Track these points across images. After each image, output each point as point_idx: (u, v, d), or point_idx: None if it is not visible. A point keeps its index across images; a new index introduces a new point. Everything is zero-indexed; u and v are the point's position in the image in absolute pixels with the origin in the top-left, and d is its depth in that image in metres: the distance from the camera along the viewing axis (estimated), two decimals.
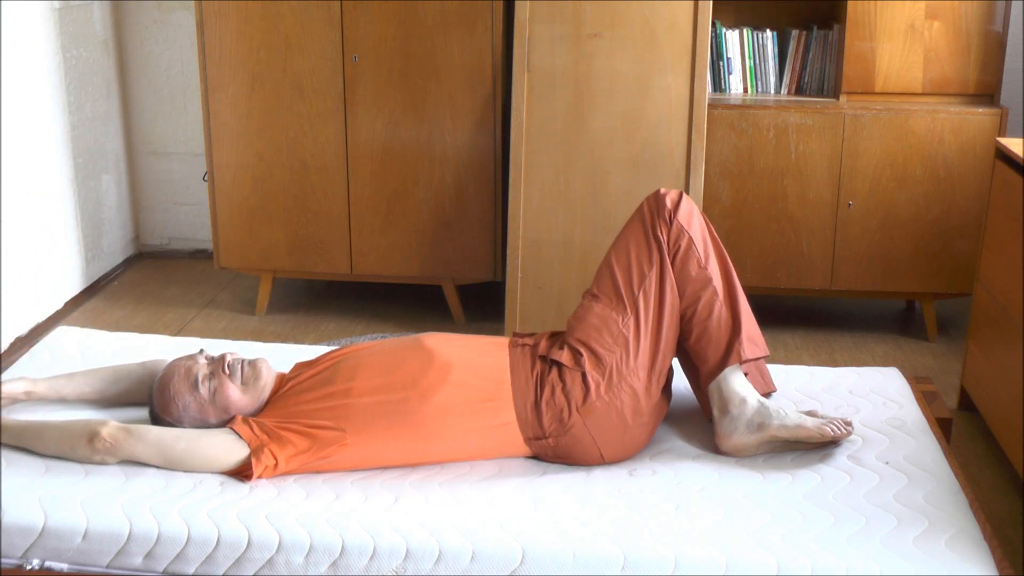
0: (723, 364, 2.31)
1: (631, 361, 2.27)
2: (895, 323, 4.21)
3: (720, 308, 2.34)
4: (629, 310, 2.31)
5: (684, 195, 2.41)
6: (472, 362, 2.27)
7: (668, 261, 2.34)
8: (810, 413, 2.34)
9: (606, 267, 2.39)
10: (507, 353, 2.32)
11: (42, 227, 4.10)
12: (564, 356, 2.28)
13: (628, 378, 2.26)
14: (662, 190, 2.41)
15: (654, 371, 2.30)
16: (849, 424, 2.32)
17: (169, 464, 2.18)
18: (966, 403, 3.41)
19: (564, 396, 2.24)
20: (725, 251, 2.42)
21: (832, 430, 2.27)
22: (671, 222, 2.36)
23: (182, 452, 2.17)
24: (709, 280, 2.34)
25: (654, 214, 2.38)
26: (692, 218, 2.38)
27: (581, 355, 2.27)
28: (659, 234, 2.35)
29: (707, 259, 2.36)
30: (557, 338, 2.37)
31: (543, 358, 2.30)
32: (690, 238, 2.35)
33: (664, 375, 2.33)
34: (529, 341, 2.37)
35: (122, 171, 4.78)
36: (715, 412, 2.31)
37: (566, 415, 2.22)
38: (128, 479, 2.16)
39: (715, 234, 2.42)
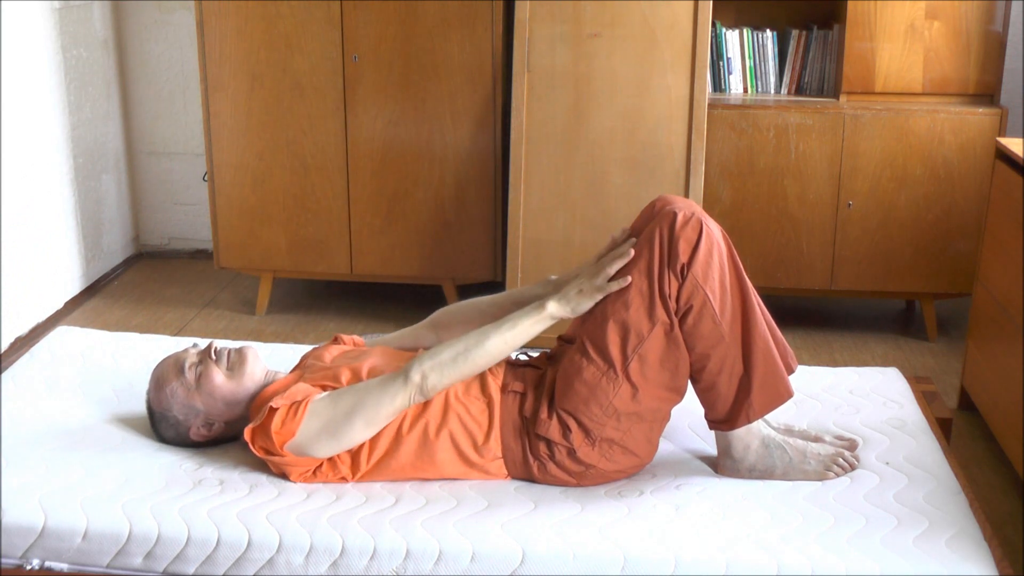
0: (730, 423, 2.17)
1: (622, 424, 2.16)
2: (895, 323, 4.21)
3: (733, 363, 2.14)
4: (621, 376, 2.12)
5: (703, 228, 2.11)
6: (462, 414, 2.18)
7: (675, 320, 2.11)
8: (816, 438, 2.31)
9: (601, 314, 2.16)
10: (499, 402, 2.19)
11: (42, 227, 4.10)
12: (553, 431, 2.15)
13: (622, 442, 2.17)
14: (678, 222, 2.11)
15: (657, 420, 2.20)
16: (854, 448, 2.29)
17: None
18: (966, 403, 3.41)
19: (556, 467, 2.18)
20: (744, 273, 2.16)
21: (835, 473, 2.21)
22: (683, 276, 2.10)
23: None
24: (722, 338, 2.11)
25: (663, 262, 2.11)
26: (710, 267, 2.10)
27: (570, 430, 2.14)
28: (666, 289, 2.10)
29: (723, 310, 2.11)
30: (545, 390, 2.20)
31: (527, 423, 2.18)
32: (705, 295, 2.09)
33: (669, 415, 2.24)
34: (520, 387, 2.21)
35: (122, 171, 4.78)
36: (717, 447, 2.26)
37: (563, 479, 2.19)
38: (128, 479, 2.16)
39: (736, 258, 2.16)
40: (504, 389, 2.22)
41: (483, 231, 3.99)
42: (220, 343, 2.33)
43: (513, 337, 2.17)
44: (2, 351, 3.78)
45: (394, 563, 1.97)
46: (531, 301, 2.29)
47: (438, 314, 2.47)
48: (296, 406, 2.14)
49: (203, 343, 2.40)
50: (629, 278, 2.13)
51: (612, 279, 2.16)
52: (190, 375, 2.26)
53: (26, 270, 3.97)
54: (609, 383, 2.13)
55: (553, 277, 2.34)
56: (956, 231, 3.83)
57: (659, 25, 3.63)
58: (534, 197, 3.73)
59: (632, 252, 2.15)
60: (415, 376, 2.12)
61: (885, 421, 2.46)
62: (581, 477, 2.19)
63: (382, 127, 3.93)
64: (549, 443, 2.16)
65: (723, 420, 2.19)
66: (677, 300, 2.11)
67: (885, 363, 3.76)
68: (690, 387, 2.24)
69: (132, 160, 4.86)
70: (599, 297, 2.17)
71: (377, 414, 2.13)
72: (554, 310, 2.18)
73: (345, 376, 2.24)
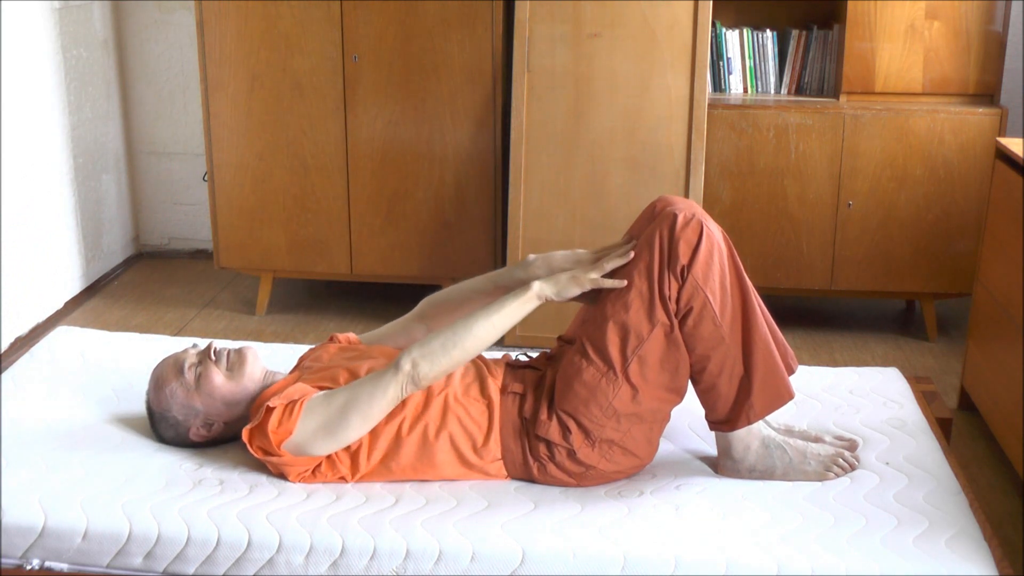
0: (730, 424, 2.17)
1: (622, 425, 2.15)
2: (895, 323, 4.21)
3: (733, 364, 2.14)
4: (620, 378, 2.12)
5: (704, 230, 2.10)
6: (462, 416, 2.18)
7: (675, 322, 2.11)
8: (816, 438, 2.31)
9: (600, 316, 2.15)
10: (498, 404, 2.19)
11: (42, 227, 4.09)
12: (552, 432, 2.14)
13: (622, 442, 2.16)
14: (678, 223, 2.11)
15: (657, 421, 2.20)
16: (854, 448, 2.29)
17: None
18: (966, 403, 3.41)
19: (556, 468, 2.17)
20: (744, 274, 2.16)
21: (835, 473, 2.21)
22: (683, 278, 2.10)
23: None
24: (723, 339, 2.11)
25: (663, 264, 2.11)
26: (711, 268, 2.10)
27: (569, 431, 2.14)
28: (666, 291, 2.10)
29: (723, 311, 2.11)
30: (544, 391, 2.20)
31: (527, 424, 2.18)
32: (705, 297, 2.09)
33: (669, 416, 2.23)
34: (519, 388, 2.21)
35: (122, 171, 4.78)
36: (717, 447, 2.25)
37: (563, 480, 2.19)
38: (128, 479, 2.16)
39: (736, 259, 2.16)
40: (504, 390, 2.22)
41: (483, 231, 3.99)
42: (220, 343, 2.33)
43: (500, 320, 2.17)
44: (2, 351, 3.78)
45: (394, 563, 1.97)
46: (513, 283, 2.29)
47: (424, 305, 2.48)
48: (292, 405, 2.14)
49: (203, 343, 2.40)
50: (625, 280, 2.14)
51: (609, 277, 2.16)
52: (189, 375, 2.26)
53: (26, 270, 3.97)
54: (609, 384, 2.13)
55: (532, 256, 2.32)
56: (956, 231, 3.83)
57: (659, 25, 3.63)
58: (534, 197, 3.73)
59: (632, 253, 2.15)
60: (405, 365, 2.12)
61: (885, 421, 2.46)
62: (581, 478, 2.19)
63: (382, 127, 3.93)
64: (549, 444, 2.16)
65: (723, 421, 2.19)
66: (677, 302, 2.11)
67: (885, 363, 3.76)
68: (690, 387, 2.24)
69: (132, 160, 4.86)
70: (588, 287, 2.17)
71: (371, 408, 2.12)
72: (539, 290, 2.18)
73: (343, 377, 2.25)
